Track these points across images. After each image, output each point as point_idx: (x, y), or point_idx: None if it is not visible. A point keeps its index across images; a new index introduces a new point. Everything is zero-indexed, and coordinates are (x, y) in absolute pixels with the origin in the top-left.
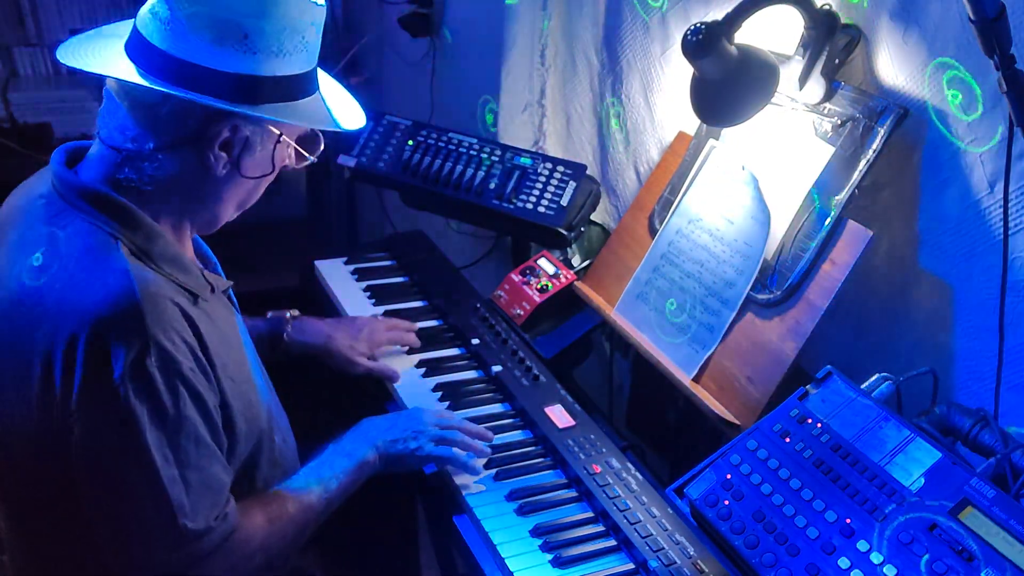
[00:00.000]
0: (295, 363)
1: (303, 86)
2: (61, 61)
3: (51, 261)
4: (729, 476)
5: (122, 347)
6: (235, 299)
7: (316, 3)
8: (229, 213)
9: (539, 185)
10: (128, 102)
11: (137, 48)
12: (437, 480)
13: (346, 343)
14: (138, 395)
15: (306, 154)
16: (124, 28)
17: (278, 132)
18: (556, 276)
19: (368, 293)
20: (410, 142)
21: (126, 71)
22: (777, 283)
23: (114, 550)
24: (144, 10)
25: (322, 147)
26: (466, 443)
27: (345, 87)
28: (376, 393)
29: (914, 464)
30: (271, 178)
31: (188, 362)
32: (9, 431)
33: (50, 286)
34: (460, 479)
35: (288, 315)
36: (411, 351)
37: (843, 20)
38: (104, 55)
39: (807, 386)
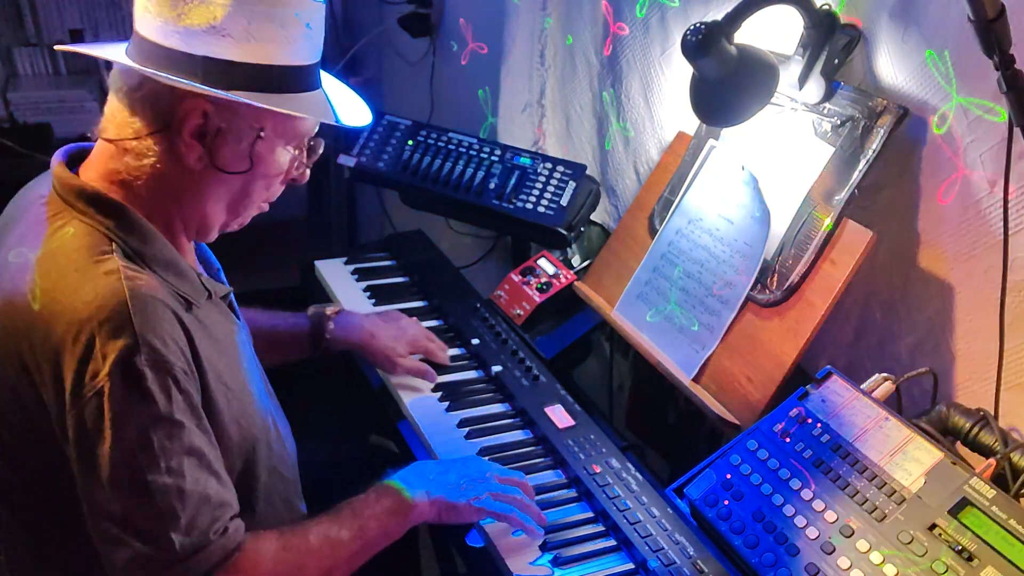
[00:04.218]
0: (300, 371)
1: (292, 79)
2: (58, 48)
3: (47, 262)
4: (729, 476)
5: (109, 345)
6: (236, 307)
7: None
8: (219, 217)
9: (539, 185)
10: (115, 90)
11: (131, 40)
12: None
13: (388, 343)
14: (126, 394)
15: (295, 154)
16: None
17: (258, 126)
18: (556, 276)
19: (368, 293)
20: (410, 142)
21: (109, 53)
22: (777, 283)
23: (106, 562)
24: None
25: (319, 153)
26: (525, 504)
27: (348, 86)
28: (375, 391)
29: (914, 464)
30: (262, 184)
31: (181, 364)
32: (6, 429)
33: (44, 287)
34: None
35: (328, 311)
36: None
37: (842, 20)
38: (105, 48)
39: (807, 386)
